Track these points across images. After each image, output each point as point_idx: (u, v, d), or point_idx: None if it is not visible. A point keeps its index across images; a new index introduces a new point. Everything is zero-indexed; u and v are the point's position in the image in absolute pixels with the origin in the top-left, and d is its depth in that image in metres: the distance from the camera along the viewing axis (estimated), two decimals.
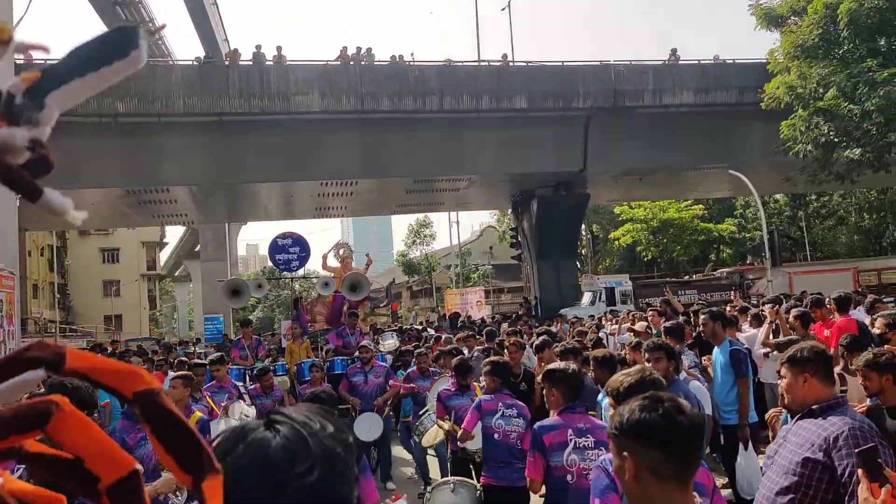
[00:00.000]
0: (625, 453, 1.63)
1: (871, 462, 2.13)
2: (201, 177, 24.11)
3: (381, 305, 17.58)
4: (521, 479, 4.07)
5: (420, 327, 23.07)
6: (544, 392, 4.09)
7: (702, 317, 6.82)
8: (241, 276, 38.00)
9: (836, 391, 3.30)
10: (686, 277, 36.39)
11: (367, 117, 23.31)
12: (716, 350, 6.69)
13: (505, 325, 16.14)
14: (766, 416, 4.91)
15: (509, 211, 34.94)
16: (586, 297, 26.45)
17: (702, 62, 26.18)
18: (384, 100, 23.22)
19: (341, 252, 16.24)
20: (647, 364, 5.13)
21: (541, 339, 7.34)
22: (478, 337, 11.56)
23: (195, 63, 24.45)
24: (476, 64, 25.64)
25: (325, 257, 16.50)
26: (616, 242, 44.99)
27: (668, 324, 7.03)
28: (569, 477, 3.74)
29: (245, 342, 10.45)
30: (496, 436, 5.12)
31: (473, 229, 61.75)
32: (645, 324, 8.42)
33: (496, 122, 24.40)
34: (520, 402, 5.35)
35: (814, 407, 3.20)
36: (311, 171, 24.26)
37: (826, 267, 29.39)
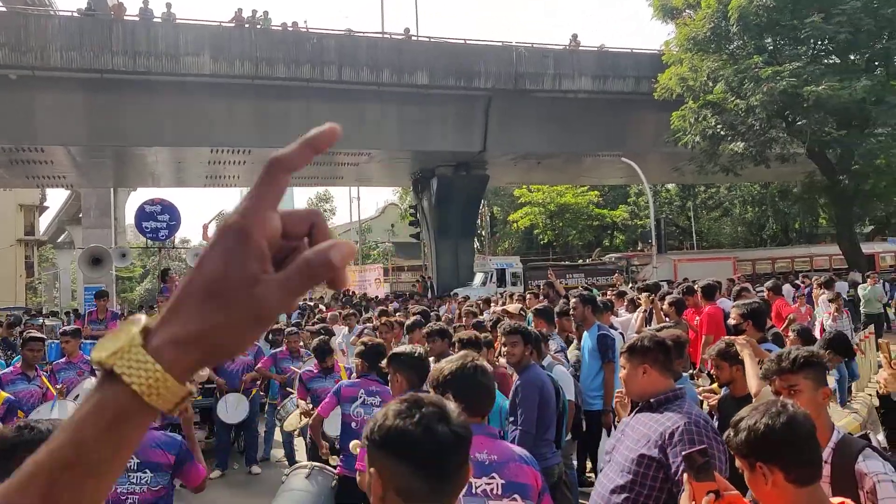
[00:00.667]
0: (372, 469, 1.32)
1: (698, 465, 1.94)
2: (80, 137, 22.42)
3: None
4: None
5: (312, 304, 22.46)
6: (389, 377, 3.82)
7: (572, 300, 6.77)
8: (129, 245, 35.90)
9: (673, 384, 3.19)
10: (580, 262, 37.40)
11: (262, 84, 22.33)
12: (585, 334, 6.66)
13: (393, 304, 15.89)
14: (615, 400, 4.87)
15: (411, 189, 34.68)
16: (478, 278, 26.65)
17: (600, 49, 26.63)
18: (280, 66, 22.30)
19: None
20: (504, 348, 4.97)
21: (412, 319, 7.09)
22: (363, 314, 11.23)
23: (76, 15, 22.64)
24: (377, 36, 25.00)
25: (205, 227, 15.70)
26: (514, 225, 45.61)
27: (537, 306, 6.95)
28: None
29: (99, 315, 9.63)
30: (353, 424, 4.79)
31: (378, 206, 61.14)
32: (519, 305, 8.35)
33: (396, 96, 23.97)
34: (387, 388, 4.89)
35: (651, 400, 3.09)
36: (200, 138, 23.05)
37: (708, 255, 30.85)
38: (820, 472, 1.92)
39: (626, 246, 48.62)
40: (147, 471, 3.34)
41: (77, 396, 6.43)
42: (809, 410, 2.48)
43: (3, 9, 25.62)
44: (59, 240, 60.21)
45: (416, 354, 3.71)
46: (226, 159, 26.53)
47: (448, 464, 1.28)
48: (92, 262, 9.93)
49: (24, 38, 20.33)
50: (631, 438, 3.06)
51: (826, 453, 2.46)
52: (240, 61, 21.89)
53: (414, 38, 25.17)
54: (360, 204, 45.09)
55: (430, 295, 24.94)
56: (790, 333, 6.47)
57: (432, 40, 25.17)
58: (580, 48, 26.40)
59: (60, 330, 7.69)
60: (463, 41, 25.07)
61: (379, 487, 1.27)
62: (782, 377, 2.55)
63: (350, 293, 28.36)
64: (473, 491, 2.32)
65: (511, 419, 4.81)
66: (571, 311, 6.71)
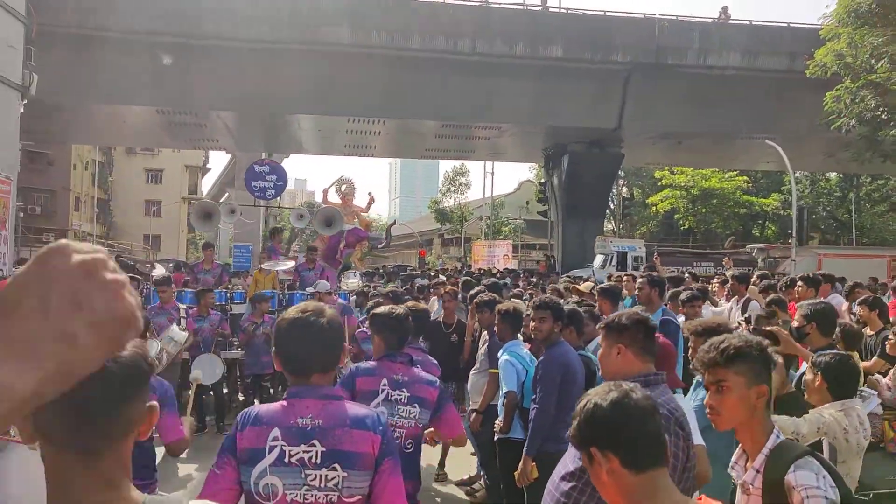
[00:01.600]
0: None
1: None
2: (226, 102, 23.96)
3: (380, 247, 17.34)
4: None
5: (433, 274, 22.88)
6: (372, 338, 3.73)
7: (638, 280, 6.33)
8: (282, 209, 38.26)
9: (651, 368, 2.87)
10: (723, 249, 35.10)
11: (397, 54, 22.66)
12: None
13: (505, 280, 15.73)
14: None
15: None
16: (598, 260, 25.73)
17: (753, 23, 24.60)
18: (415, 37, 22.53)
19: (343, 188, 15.98)
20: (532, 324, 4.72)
21: (475, 290, 6.96)
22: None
23: None
24: (512, 7, 24.54)
25: (325, 192, 16.28)
26: (654, 208, 43.62)
27: (602, 285, 6.57)
28: None
29: (205, 266, 10.30)
30: None
31: (519, 181, 60.87)
32: (591, 285, 7.92)
33: (529, 69, 23.51)
34: (422, 376, 3.52)
35: None
36: (335, 106, 23.89)
37: (858, 252, 27.87)
38: (661, 455, 1.65)
39: (777, 237, 45.13)
40: None
41: (162, 338, 6.92)
42: (739, 411, 2.14)
43: None
44: (220, 200, 65.42)
45: (393, 315, 3.57)
46: (362, 129, 27.36)
47: (94, 403, 1.10)
48: (203, 217, 10.69)
49: (181, 8, 21.72)
50: None
51: (759, 461, 2.12)
52: (376, 32, 22.32)
53: (552, 9, 24.51)
54: (493, 179, 44.96)
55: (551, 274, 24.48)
56: (892, 338, 5.70)
57: (569, 11, 24.38)
58: (730, 21, 24.56)
59: (154, 279, 8.24)
60: (602, 13, 24.07)
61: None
62: (709, 370, 2.19)
63: (474, 267, 28.55)
64: (287, 460, 2.09)
65: (533, 396, 4.60)
66: (636, 292, 6.28)
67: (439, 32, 22.74)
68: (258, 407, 2.25)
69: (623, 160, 29.42)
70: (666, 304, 6.52)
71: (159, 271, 11.75)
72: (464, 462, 6.94)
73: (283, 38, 22.18)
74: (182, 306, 8.25)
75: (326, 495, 2.09)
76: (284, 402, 2.21)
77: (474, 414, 5.83)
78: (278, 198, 11.35)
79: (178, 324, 7.62)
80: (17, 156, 15.65)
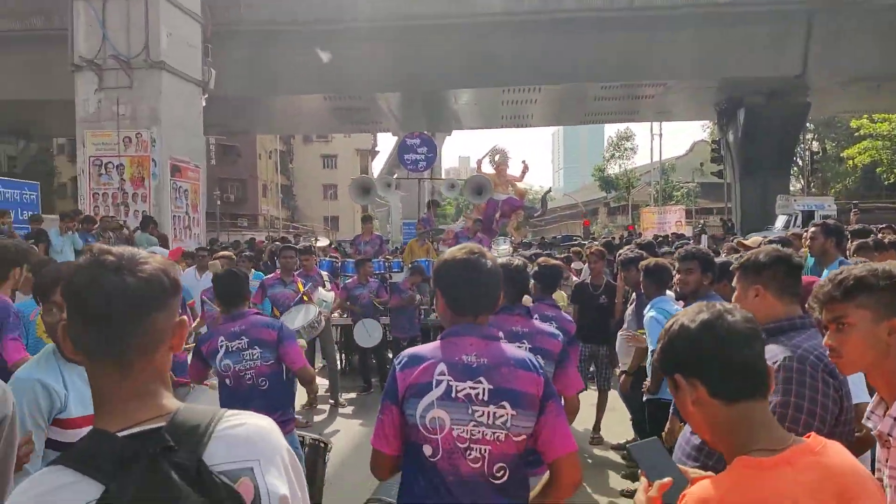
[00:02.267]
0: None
1: (645, 458, 1.51)
2: (385, 83, 24.55)
3: (536, 215, 17.13)
4: None
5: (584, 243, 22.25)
6: None
7: (811, 229, 5.64)
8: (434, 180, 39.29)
9: (797, 311, 2.47)
10: None
11: (549, 17, 21.97)
12: (825, 272, 5.51)
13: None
14: None
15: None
16: (780, 221, 23.38)
17: None
18: None
19: (497, 158, 15.98)
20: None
21: (623, 251, 6.58)
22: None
23: None
24: None
25: (479, 163, 16.40)
26: (850, 162, 39.12)
27: (771, 237, 5.91)
28: None
29: (365, 238, 10.72)
30: None
31: (694, 141, 57.32)
32: (760, 239, 7.15)
33: (694, 19, 21.81)
34: (543, 328, 3.47)
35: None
36: (489, 78, 23.71)
37: None
38: (759, 386, 1.40)
39: None
40: (256, 347, 3.82)
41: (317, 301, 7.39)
42: (867, 351, 1.77)
43: None
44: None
45: (512, 266, 3.42)
46: (519, 98, 27.05)
47: (117, 315, 1.16)
48: (362, 191, 11.18)
49: None
50: None
51: None
52: None
53: None
54: (661, 141, 42.52)
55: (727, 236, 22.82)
56: None
57: None
58: None
59: (299, 246, 8.72)
60: None
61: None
62: (826, 307, 1.81)
63: (644, 235, 27.41)
64: (454, 395, 2.06)
65: None
66: (808, 242, 5.59)
67: None
68: (416, 347, 2.26)
69: (809, 110, 26.65)
70: (847, 257, 5.77)
71: (321, 243, 12.46)
72: (620, 426, 6.69)
73: (435, 14, 22.14)
74: (324, 272, 8.76)
75: (494, 433, 2.05)
76: (442, 341, 2.19)
77: (623, 376, 5.54)
78: (430, 169, 11.51)
79: (324, 286, 8.12)
80: (205, 146, 17.19)
